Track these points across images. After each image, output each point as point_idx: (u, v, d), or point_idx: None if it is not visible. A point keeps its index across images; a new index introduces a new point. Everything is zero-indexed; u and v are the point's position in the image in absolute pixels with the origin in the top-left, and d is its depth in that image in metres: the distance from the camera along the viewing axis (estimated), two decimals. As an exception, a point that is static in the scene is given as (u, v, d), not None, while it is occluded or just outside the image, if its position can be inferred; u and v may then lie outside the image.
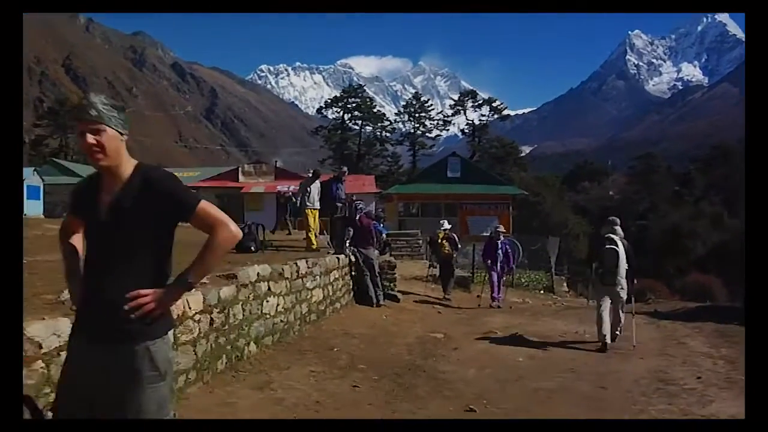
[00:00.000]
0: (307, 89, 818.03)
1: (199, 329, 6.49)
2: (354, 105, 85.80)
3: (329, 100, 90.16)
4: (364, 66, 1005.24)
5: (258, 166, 47.90)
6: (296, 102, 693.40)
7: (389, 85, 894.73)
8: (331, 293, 12.19)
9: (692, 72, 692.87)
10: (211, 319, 6.81)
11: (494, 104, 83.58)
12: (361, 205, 15.84)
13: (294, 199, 23.02)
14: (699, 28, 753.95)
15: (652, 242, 52.00)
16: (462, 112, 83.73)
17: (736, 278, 28.00)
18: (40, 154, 76.46)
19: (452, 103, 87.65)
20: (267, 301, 8.60)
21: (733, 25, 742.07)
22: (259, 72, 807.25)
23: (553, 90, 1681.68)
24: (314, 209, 16.56)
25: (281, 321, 9.18)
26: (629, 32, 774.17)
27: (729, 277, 27.57)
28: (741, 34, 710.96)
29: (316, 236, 16.35)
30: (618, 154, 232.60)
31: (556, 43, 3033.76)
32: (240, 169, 47.37)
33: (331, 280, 12.30)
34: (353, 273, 14.26)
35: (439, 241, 19.99)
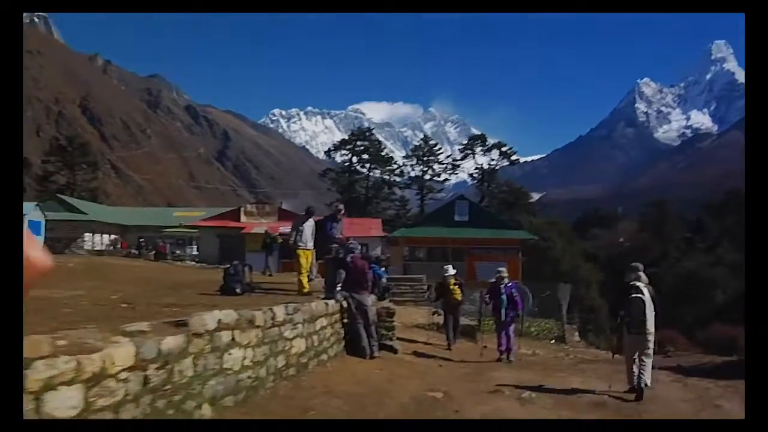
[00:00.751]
0: (318, 134, 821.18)
1: (126, 391, 5.09)
2: (362, 148, 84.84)
3: (338, 143, 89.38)
4: (375, 111, 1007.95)
5: (261, 207, 46.78)
6: (307, 146, 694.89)
7: (399, 131, 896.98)
8: (316, 343, 10.75)
9: (701, 120, 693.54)
10: (146, 377, 5.40)
11: (503, 149, 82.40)
12: (353, 245, 14.43)
13: (281, 240, 22.18)
14: (708, 76, 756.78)
15: (667, 290, 50.24)
16: (471, 156, 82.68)
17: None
18: (47, 189, 76.40)
19: (461, 147, 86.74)
20: (229, 354, 7.17)
21: (741, 73, 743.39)
22: (271, 116, 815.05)
23: (563, 137, 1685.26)
24: (306, 249, 15.27)
25: (249, 377, 7.73)
26: (638, 81, 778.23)
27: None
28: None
29: (309, 279, 15.10)
30: (627, 201, 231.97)
31: (565, 91, 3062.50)
32: (242, 209, 46.14)
33: (317, 329, 10.87)
34: (345, 320, 12.81)
35: (451, 287, 18.87)
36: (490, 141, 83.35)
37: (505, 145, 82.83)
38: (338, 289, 13.06)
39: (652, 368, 11.31)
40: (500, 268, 17.14)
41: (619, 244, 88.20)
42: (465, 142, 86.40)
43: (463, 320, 21.73)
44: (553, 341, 27.42)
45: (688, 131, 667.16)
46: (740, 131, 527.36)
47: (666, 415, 9.52)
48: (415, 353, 15.59)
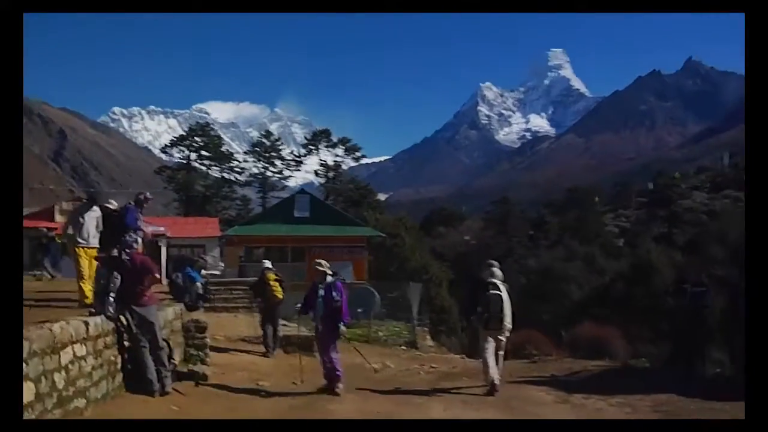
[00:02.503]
0: (161, 133, 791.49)
1: None
2: (201, 144, 79.18)
3: (175, 139, 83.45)
4: (220, 111, 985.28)
5: (77, 204, 41.42)
6: (150, 146, 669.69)
7: (245, 132, 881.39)
8: (61, 385, 7.09)
9: (540, 123, 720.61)
10: None
11: (348, 144, 79.25)
12: (131, 239, 10.65)
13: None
14: (546, 82, 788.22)
15: (518, 288, 48.83)
16: (315, 152, 79.15)
17: (636, 330, 24.77)
18: None
19: (305, 142, 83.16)
20: None
21: (576, 80, 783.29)
22: (111, 114, 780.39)
23: (409, 139, 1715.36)
24: (89, 248, 11.47)
25: None
26: (480, 84, 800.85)
27: (628, 328, 24.24)
28: (584, 89, 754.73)
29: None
30: (470, 201, 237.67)
31: (411, 93, 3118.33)
32: (57, 207, 40.41)
33: (65, 363, 7.24)
34: (126, 343, 9.23)
35: (270, 283, 16.20)
36: (335, 137, 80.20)
37: (350, 141, 79.50)
38: (111, 299, 9.07)
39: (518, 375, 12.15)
40: (319, 261, 12.18)
41: (465, 243, 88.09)
42: (309, 137, 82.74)
43: (303, 331, 18.72)
44: (403, 347, 24.93)
45: (527, 134, 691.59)
46: (575, 134, 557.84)
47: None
48: (234, 378, 12.31)
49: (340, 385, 11.38)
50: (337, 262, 36.10)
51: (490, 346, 11.31)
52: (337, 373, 11.44)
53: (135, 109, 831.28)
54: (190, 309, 13.92)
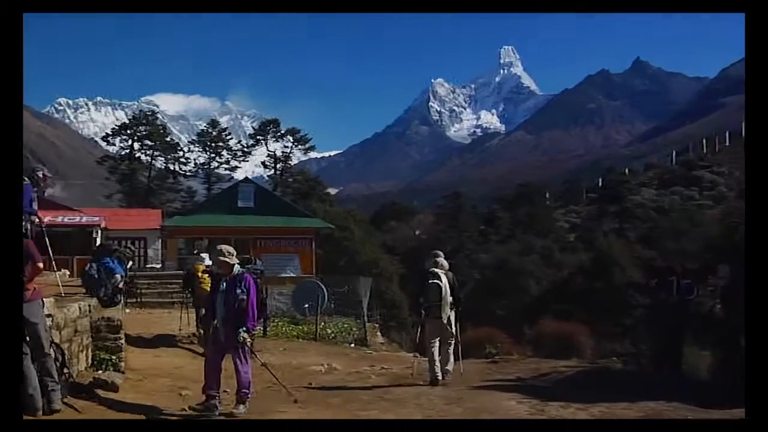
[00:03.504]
0: (108, 125, 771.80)
1: None
2: (144, 133, 76.08)
3: (116, 127, 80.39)
4: (169, 104, 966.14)
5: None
6: (96, 138, 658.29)
7: (195, 124, 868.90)
8: None
9: (490, 120, 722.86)
10: None
11: (297, 135, 76.94)
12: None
13: None
14: (497, 79, 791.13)
15: (474, 284, 47.49)
16: (264, 142, 76.84)
17: (600, 326, 23.37)
18: None
19: (252, 132, 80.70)
20: None
21: (527, 77, 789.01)
22: (56, 105, 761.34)
23: (360, 133, 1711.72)
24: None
25: None
26: (432, 80, 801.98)
27: (592, 324, 22.89)
28: (534, 87, 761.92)
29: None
30: (422, 196, 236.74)
31: (363, 87, 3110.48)
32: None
33: None
34: None
35: (199, 275, 15.15)
36: (284, 127, 77.87)
37: (299, 132, 76.93)
38: None
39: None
40: (222, 247, 9.24)
41: (416, 237, 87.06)
42: (257, 127, 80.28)
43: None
44: (353, 344, 23.54)
45: (478, 130, 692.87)
46: (525, 131, 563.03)
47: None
48: (153, 386, 10.54)
49: (242, 408, 8.78)
50: (283, 255, 34.62)
51: (435, 341, 11.34)
52: (244, 391, 8.87)
53: (81, 100, 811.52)
54: (105, 305, 12.09)
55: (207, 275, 14.71)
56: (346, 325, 26.84)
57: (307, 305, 25.14)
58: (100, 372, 9.77)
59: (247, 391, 8.84)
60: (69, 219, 33.68)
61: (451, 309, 11.49)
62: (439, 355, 11.36)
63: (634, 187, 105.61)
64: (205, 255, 15.59)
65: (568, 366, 14.85)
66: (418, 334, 12.36)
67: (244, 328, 8.70)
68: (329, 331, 25.05)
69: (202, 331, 14.96)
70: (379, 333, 30.46)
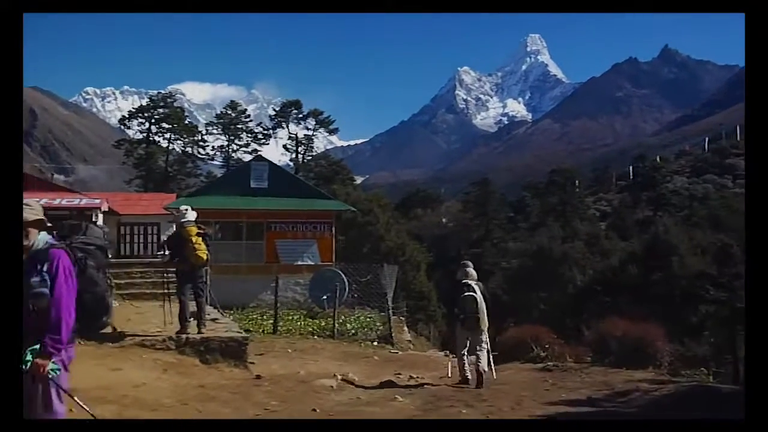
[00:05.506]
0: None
1: None
2: (162, 116, 73.26)
3: (133, 110, 77.61)
4: (196, 92, 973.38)
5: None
6: (122, 127, 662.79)
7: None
8: None
9: (517, 108, 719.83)
10: None
11: (320, 117, 73.59)
12: None
13: None
14: (523, 67, 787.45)
15: (507, 274, 44.04)
16: (284, 124, 73.74)
17: (670, 327, 19.80)
18: None
19: (273, 114, 77.58)
20: None
21: (553, 65, 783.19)
22: (84, 94, 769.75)
23: (386, 122, 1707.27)
24: None
25: None
26: (458, 68, 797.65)
27: (664, 320, 19.58)
28: (561, 75, 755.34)
29: None
30: (447, 184, 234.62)
31: (388, 76, 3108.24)
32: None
33: None
34: None
35: (192, 238, 11.76)
36: (306, 109, 74.70)
37: (321, 113, 73.64)
38: None
39: None
40: (27, 201, 4.56)
41: (443, 225, 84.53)
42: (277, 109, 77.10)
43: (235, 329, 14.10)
44: (376, 342, 21.06)
45: (504, 119, 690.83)
46: (552, 120, 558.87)
47: None
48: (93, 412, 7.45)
49: None
50: (300, 241, 31.55)
51: (463, 344, 11.61)
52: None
53: (108, 89, 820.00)
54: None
55: (202, 239, 11.80)
56: (368, 320, 24.56)
57: (325, 297, 23.01)
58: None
59: None
60: (67, 201, 31.04)
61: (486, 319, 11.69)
62: (476, 359, 11.45)
63: (668, 173, 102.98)
64: (188, 209, 12.43)
65: (646, 379, 11.67)
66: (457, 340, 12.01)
67: (38, 347, 4.36)
68: (349, 326, 22.78)
69: (180, 303, 12.35)
70: (405, 328, 28.15)
